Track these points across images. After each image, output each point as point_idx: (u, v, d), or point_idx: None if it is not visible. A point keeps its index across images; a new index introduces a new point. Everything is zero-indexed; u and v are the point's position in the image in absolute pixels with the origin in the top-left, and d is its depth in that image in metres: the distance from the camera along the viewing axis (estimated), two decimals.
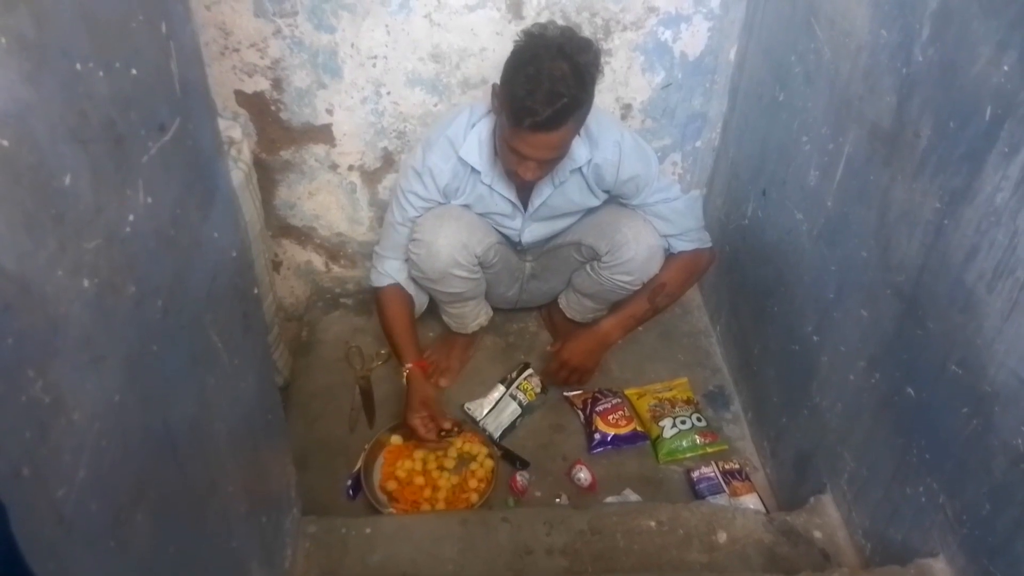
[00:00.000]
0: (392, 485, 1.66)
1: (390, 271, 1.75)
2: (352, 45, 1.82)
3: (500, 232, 1.79)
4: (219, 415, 0.94)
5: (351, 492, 1.67)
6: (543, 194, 1.68)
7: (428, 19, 1.80)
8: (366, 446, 1.73)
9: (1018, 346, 0.94)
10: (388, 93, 1.91)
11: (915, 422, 1.17)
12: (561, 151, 1.47)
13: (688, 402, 1.87)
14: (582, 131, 1.54)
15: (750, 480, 1.71)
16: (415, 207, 1.66)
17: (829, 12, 1.40)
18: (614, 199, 1.75)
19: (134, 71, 0.68)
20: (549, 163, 1.50)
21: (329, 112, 1.93)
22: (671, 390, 1.91)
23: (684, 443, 1.78)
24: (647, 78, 1.95)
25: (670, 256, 1.72)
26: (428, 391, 1.71)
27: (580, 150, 1.59)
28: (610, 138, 1.61)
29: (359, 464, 1.69)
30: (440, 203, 1.67)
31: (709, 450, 1.79)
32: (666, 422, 1.81)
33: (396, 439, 1.76)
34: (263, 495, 1.18)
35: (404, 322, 1.76)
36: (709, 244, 1.77)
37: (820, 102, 1.44)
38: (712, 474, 1.70)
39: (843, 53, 1.35)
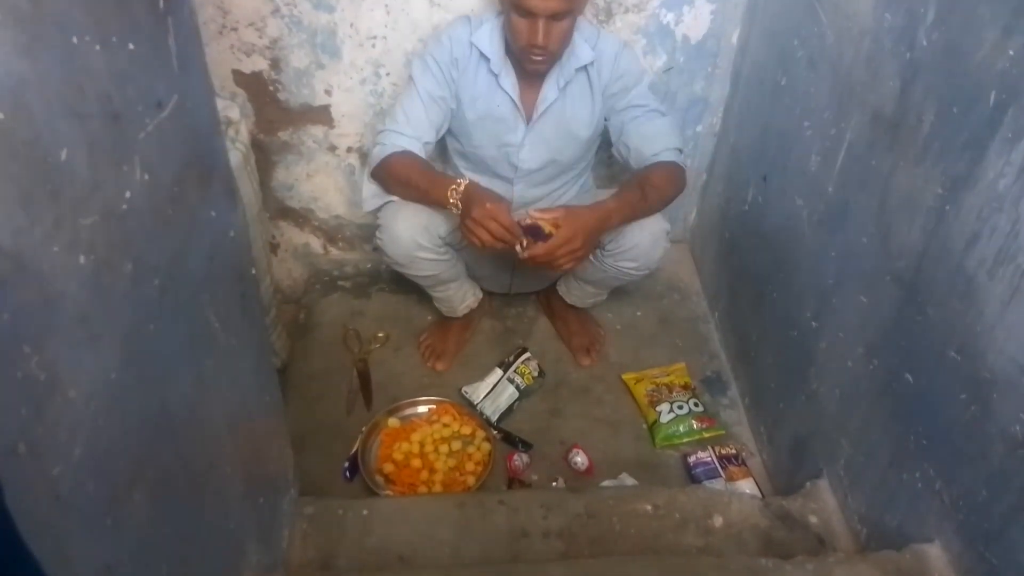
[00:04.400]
0: (389, 467, 1.66)
1: (399, 143, 1.62)
2: (351, 25, 1.80)
3: (494, 170, 1.76)
4: (217, 396, 0.94)
5: (348, 474, 1.67)
6: (548, 99, 1.67)
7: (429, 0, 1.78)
8: (363, 428, 1.73)
9: (1018, 333, 0.94)
10: (387, 74, 1.89)
11: (913, 408, 1.17)
12: (569, 2, 1.46)
13: (685, 387, 1.87)
14: (585, 30, 1.63)
15: (746, 465, 1.71)
16: (431, 71, 1.62)
17: None
18: (608, 109, 1.72)
19: (131, 46, 0.67)
20: (559, 22, 1.48)
21: (328, 93, 1.92)
22: (668, 375, 1.91)
23: (681, 428, 1.78)
24: (648, 61, 1.93)
25: (652, 163, 1.64)
26: (495, 194, 1.54)
27: (584, 49, 1.64)
28: (610, 39, 1.69)
29: (356, 446, 1.69)
30: (449, 83, 1.64)
31: (706, 435, 1.79)
32: (663, 407, 1.81)
33: (394, 421, 1.77)
34: (260, 476, 1.18)
35: (429, 166, 1.63)
36: (685, 167, 1.70)
37: (823, 87, 1.43)
38: (709, 459, 1.71)
39: (846, 37, 1.34)
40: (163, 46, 0.75)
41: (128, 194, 0.67)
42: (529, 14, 1.46)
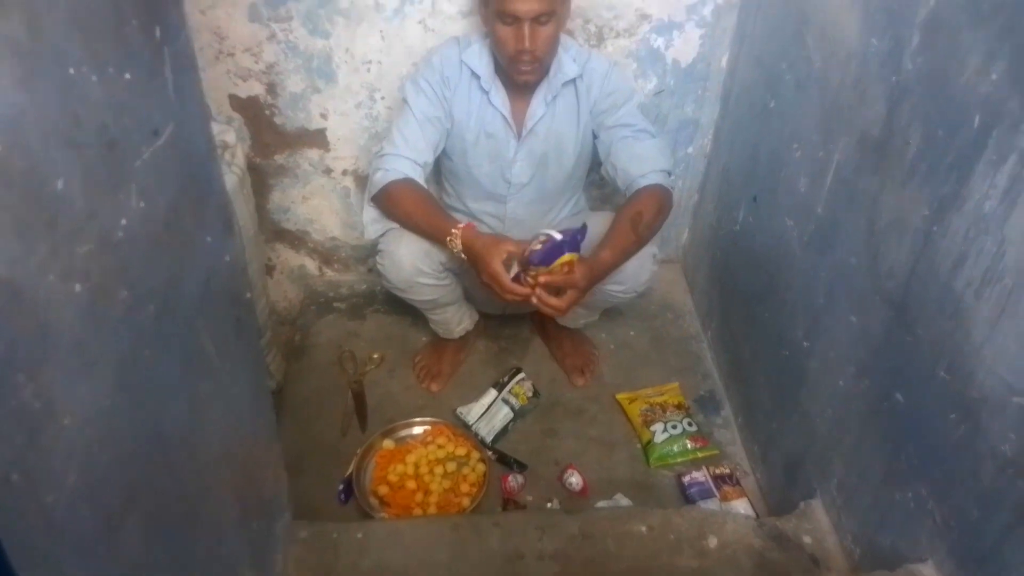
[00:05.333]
0: (384, 490, 1.66)
1: (401, 168, 1.62)
2: (347, 50, 1.82)
3: (486, 188, 1.78)
4: (211, 420, 0.94)
5: (343, 497, 1.67)
6: (536, 114, 1.69)
7: (422, 25, 1.81)
8: (358, 450, 1.73)
9: (1006, 353, 0.95)
10: (382, 98, 1.91)
11: (904, 428, 1.18)
12: (551, 3, 1.49)
13: (679, 407, 1.88)
14: (572, 49, 1.67)
15: (740, 485, 1.71)
16: (425, 93, 1.65)
17: (820, 21, 1.42)
18: (597, 126, 1.73)
19: (128, 76, 0.68)
20: (544, 27, 1.51)
21: (323, 117, 1.93)
22: (662, 395, 1.91)
23: (675, 448, 1.78)
24: (640, 84, 1.96)
25: (639, 189, 1.65)
26: (493, 239, 1.54)
27: (570, 65, 1.67)
28: (601, 59, 1.72)
29: (351, 468, 1.69)
30: (442, 103, 1.66)
31: (700, 455, 1.79)
32: (657, 427, 1.81)
33: (388, 443, 1.77)
34: (254, 500, 1.18)
35: (431, 200, 1.64)
36: (672, 189, 1.71)
37: (811, 110, 1.45)
38: (703, 479, 1.71)
39: (833, 61, 1.36)
40: (159, 75, 0.76)
41: (124, 221, 0.68)
42: (514, 19, 1.49)
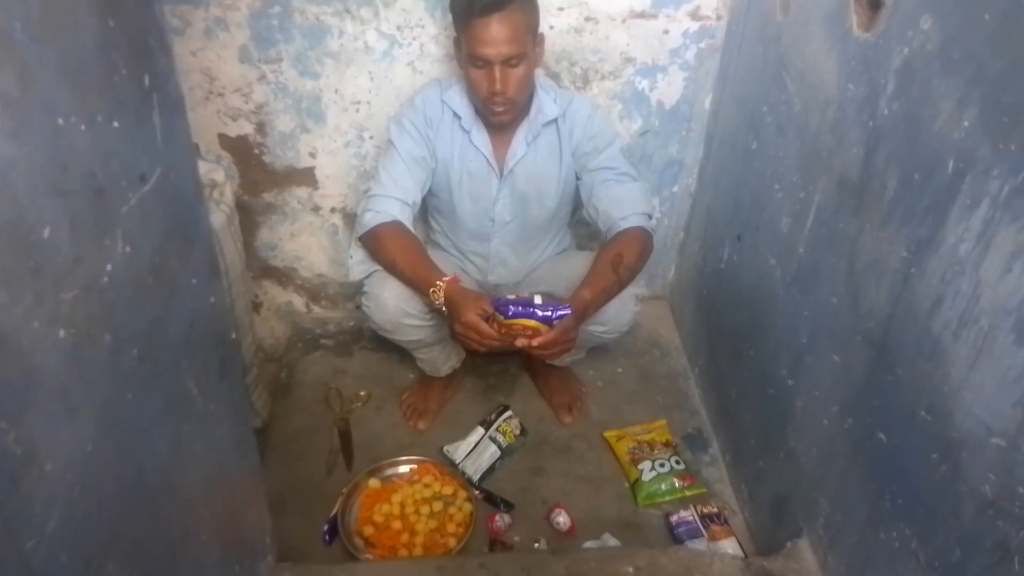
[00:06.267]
0: (369, 530, 1.65)
1: (390, 210, 1.64)
2: (336, 91, 1.85)
3: (470, 227, 1.80)
4: (193, 462, 0.94)
5: (327, 537, 1.65)
6: (517, 153, 1.72)
7: (411, 66, 1.84)
8: (344, 489, 1.72)
9: (984, 394, 0.96)
10: (371, 137, 1.94)
11: (887, 467, 1.18)
12: (519, 46, 1.51)
13: (667, 445, 1.88)
14: (552, 92, 1.70)
15: (728, 524, 1.71)
16: (409, 134, 1.68)
17: (799, 65, 1.45)
18: (579, 168, 1.75)
19: (116, 124, 0.69)
20: (514, 69, 1.54)
21: (312, 155, 1.95)
22: (650, 432, 1.91)
23: (663, 486, 1.78)
24: (625, 125, 1.99)
25: (620, 231, 1.66)
26: (474, 294, 1.57)
27: (550, 106, 1.70)
28: (583, 101, 1.75)
29: (336, 508, 1.68)
30: (426, 142, 1.69)
31: (688, 493, 1.79)
32: (645, 465, 1.81)
33: (374, 482, 1.75)
34: (237, 542, 1.17)
35: (418, 247, 1.64)
36: (653, 232, 1.72)
37: (791, 152, 1.48)
38: (691, 518, 1.70)
39: (812, 105, 1.39)
40: (148, 121, 0.77)
41: (109, 267, 0.69)
42: (485, 62, 1.53)
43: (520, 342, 1.52)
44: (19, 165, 0.55)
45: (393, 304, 1.64)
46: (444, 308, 1.55)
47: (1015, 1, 0.89)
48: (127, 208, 0.72)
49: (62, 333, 0.61)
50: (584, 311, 1.57)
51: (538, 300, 1.50)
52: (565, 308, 1.50)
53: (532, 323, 1.50)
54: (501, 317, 1.49)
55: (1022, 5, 0.88)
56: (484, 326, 1.50)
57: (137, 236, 0.74)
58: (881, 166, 1.17)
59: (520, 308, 1.49)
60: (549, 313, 1.49)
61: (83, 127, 0.64)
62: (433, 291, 1.54)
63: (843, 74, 1.28)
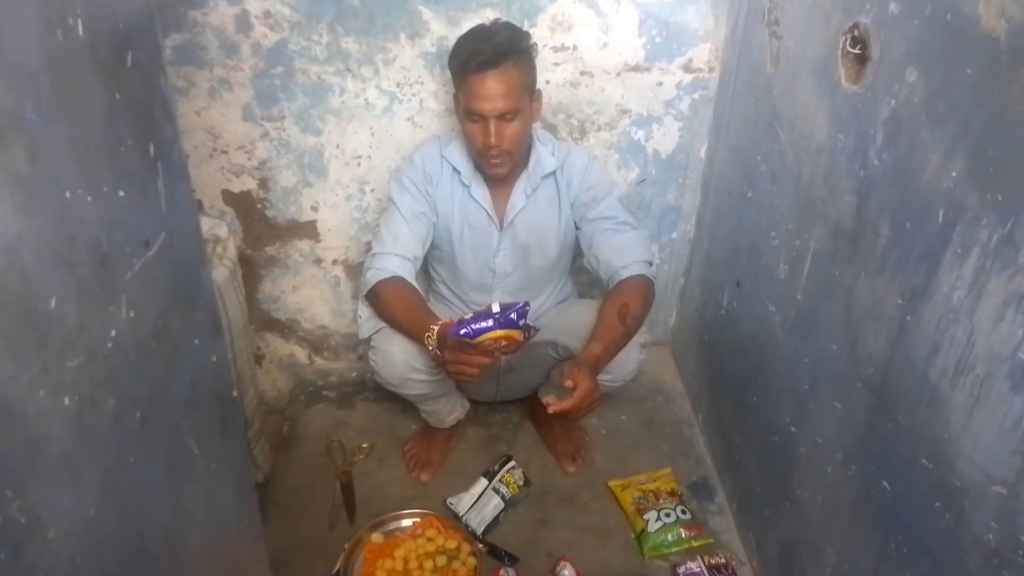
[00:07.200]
0: None
1: (390, 266, 1.67)
2: (337, 146, 1.89)
3: (471, 278, 1.82)
4: (195, 523, 0.94)
5: None
6: (517, 206, 1.74)
7: (411, 121, 1.87)
8: (346, 545, 1.70)
9: (983, 442, 0.96)
10: (372, 190, 1.97)
11: (892, 516, 1.17)
12: (514, 102, 1.55)
13: (672, 494, 1.86)
14: (550, 144, 1.75)
15: (736, 575, 1.69)
16: (409, 191, 1.70)
17: (790, 116, 1.48)
18: (579, 219, 1.77)
19: (121, 193, 0.71)
20: (509, 123, 1.57)
21: (314, 209, 1.98)
22: (655, 481, 1.90)
23: (669, 537, 1.76)
24: (622, 174, 2.02)
25: (622, 280, 1.68)
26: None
27: (548, 159, 1.74)
28: (580, 153, 1.79)
29: (338, 565, 1.66)
30: (426, 198, 1.72)
31: (695, 544, 1.77)
32: (651, 515, 1.79)
33: (377, 536, 1.74)
34: None
35: (415, 298, 1.65)
36: (654, 279, 1.73)
37: (786, 200, 1.50)
38: (698, 569, 1.68)
39: (804, 155, 1.41)
40: (152, 188, 0.79)
41: (113, 332, 0.70)
42: (480, 117, 1.56)
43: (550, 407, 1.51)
44: (27, 239, 0.56)
45: (401, 359, 1.65)
46: (439, 352, 1.54)
47: (995, 57, 0.91)
48: (131, 274, 0.73)
49: (67, 400, 0.62)
50: (596, 365, 1.57)
51: (496, 308, 1.44)
52: (520, 305, 1.44)
53: (500, 333, 1.43)
54: (470, 341, 1.43)
55: (1001, 61, 0.90)
56: (466, 351, 1.46)
57: (141, 301, 0.75)
58: (873, 215, 1.19)
59: (480, 324, 1.42)
60: (513, 316, 1.43)
61: (89, 198, 0.65)
62: (428, 336, 1.54)
63: (833, 125, 1.31)
